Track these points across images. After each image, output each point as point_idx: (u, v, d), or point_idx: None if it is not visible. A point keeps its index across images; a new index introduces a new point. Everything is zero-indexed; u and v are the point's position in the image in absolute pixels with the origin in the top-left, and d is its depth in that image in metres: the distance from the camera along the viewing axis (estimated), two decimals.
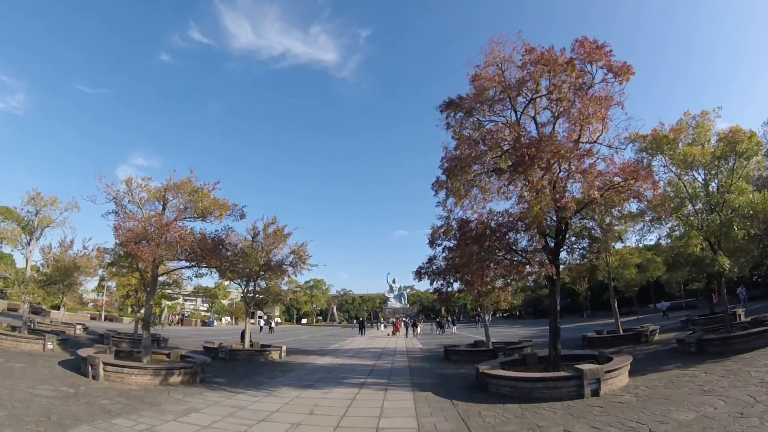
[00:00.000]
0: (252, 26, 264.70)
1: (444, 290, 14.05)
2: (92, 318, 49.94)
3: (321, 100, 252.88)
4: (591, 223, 13.75)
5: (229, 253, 17.60)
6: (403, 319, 61.11)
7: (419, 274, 14.28)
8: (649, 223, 17.86)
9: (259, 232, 22.33)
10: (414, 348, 27.54)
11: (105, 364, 12.26)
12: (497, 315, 61.65)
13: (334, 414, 9.01)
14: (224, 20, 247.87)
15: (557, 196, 10.79)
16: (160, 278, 16.77)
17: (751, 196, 14.53)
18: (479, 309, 21.90)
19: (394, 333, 46.15)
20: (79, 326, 29.48)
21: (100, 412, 8.65)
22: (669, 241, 20.52)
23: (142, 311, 17.06)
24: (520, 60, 11.69)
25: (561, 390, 9.49)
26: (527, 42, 11.70)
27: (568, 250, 13.87)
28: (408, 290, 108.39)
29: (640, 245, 24.66)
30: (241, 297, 25.24)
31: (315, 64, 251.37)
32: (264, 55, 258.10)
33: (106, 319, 51.55)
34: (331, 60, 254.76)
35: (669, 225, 18.45)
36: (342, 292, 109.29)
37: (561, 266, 12.83)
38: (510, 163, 11.52)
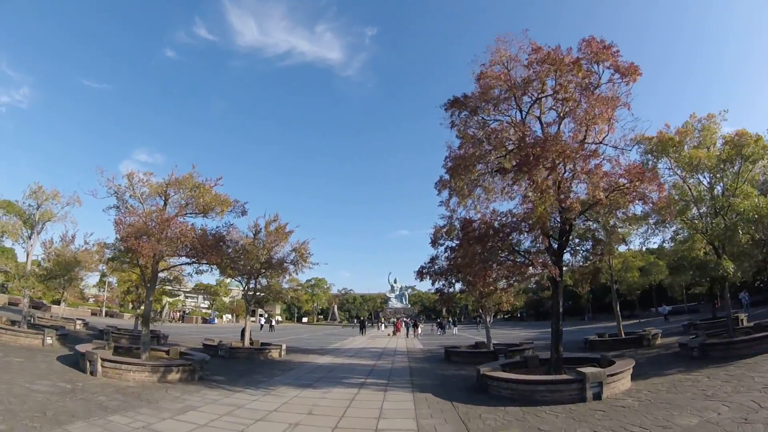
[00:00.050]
0: (257, 24, 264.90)
1: (446, 290, 13.92)
2: (93, 314, 49.94)
3: (326, 98, 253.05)
4: (595, 225, 13.64)
5: (230, 250, 17.56)
6: (404, 319, 60.99)
7: (421, 274, 14.17)
8: (653, 226, 17.74)
9: (260, 229, 22.29)
10: (414, 348, 27.46)
11: (103, 360, 12.20)
12: (498, 316, 61.40)
13: (332, 414, 8.93)
14: (230, 17, 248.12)
15: (562, 196, 10.69)
16: (161, 274, 16.73)
17: (756, 200, 14.40)
18: (480, 310, 21.74)
19: (394, 333, 46.08)
20: (79, 322, 29.52)
21: (96, 408, 8.58)
22: (672, 244, 20.40)
23: (143, 307, 17.01)
24: (526, 59, 11.58)
25: (563, 393, 9.39)
26: (534, 41, 11.60)
27: (572, 251, 13.78)
28: (409, 290, 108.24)
29: (644, 248, 24.50)
30: (242, 295, 25.19)
31: (320, 62, 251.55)
32: (269, 53, 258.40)
33: (106, 314, 51.59)
34: (336, 58, 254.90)
35: (673, 228, 18.34)
36: (343, 292, 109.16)
37: (564, 268, 12.71)
38: (514, 163, 11.42)
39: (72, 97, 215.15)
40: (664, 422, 7.14)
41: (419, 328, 44.71)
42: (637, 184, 10.50)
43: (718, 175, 15.77)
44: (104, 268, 26.64)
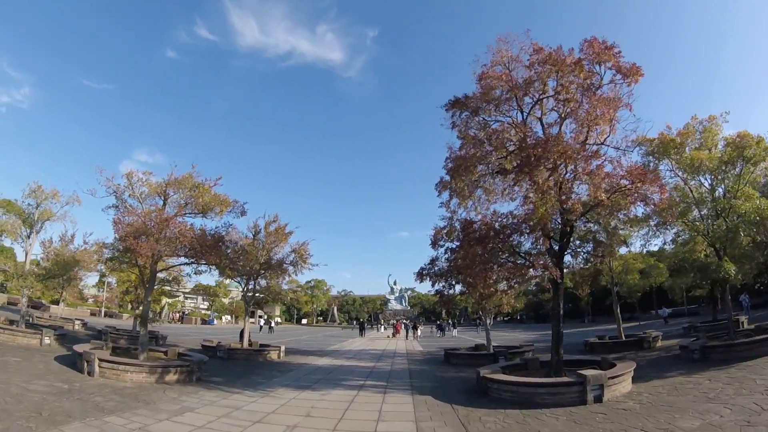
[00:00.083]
0: (259, 24, 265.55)
1: (446, 292, 13.85)
2: (92, 314, 49.90)
3: (326, 98, 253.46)
4: (596, 227, 13.57)
5: (229, 251, 17.50)
6: (404, 321, 61.00)
7: (421, 275, 14.09)
8: (655, 228, 17.69)
9: (260, 230, 22.21)
10: (414, 350, 27.35)
11: (101, 360, 12.13)
12: (498, 319, 61.38)
13: (331, 417, 8.84)
14: (231, 17, 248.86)
15: (563, 197, 10.62)
16: (160, 275, 16.65)
17: (757, 202, 14.36)
18: (480, 312, 21.66)
19: (394, 335, 46.04)
20: (78, 322, 29.44)
21: (92, 409, 8.50)
22: (673, 246, 20.34)
23: (141, 308, 16.94)
24: (528, 60, 11.54)
25: (563, 396, 9.31)
26: (535, 42, 11.56)
27: (573, 253, 13.71)
28: (409, 292, 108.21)
29: (644, 251, 24.46)
30: (241, 296, 25.11)
31: (321, 63, 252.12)
32: (270, 54, 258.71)
33: (106, 315, 51.54)
34: (337, 59, 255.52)
35: (674, 230, 18.28)
36: (343, 293, 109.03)
37: (565, 270, 12.65)
38: (515, 164, 11.37)
39: (73, 97, 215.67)
40: (666, 425, 7.07)
41: (419, 330, 44.68)
42: (638, 185, 10.44)
43: (719, 177, 15.74)
44: (103, 268, 26.56)
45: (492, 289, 13.04)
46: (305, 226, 35.85)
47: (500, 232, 11.45)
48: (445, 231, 13.84)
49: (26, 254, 21.90)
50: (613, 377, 9.69)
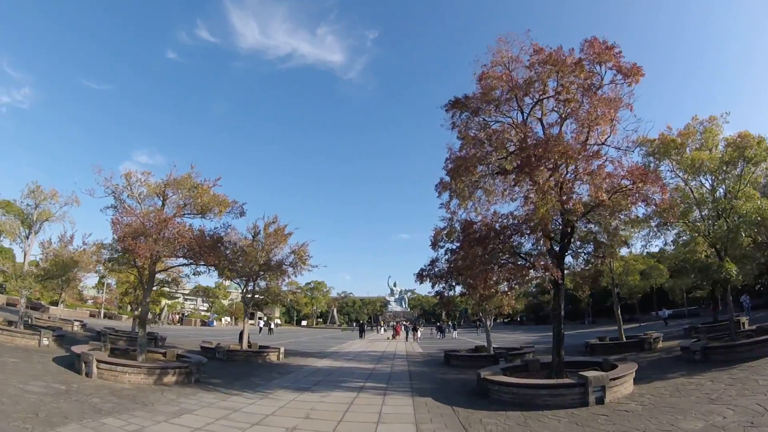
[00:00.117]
0: (259, 26, 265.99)
1: (446, 294, 13.76)
2: (91, 315, 49.83)
3: (327, 100, 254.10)
4: (597, 228, 13.51)
5: (228, 252, 17.43)
6: (404, 322, 60.90)
7: (421, 277, 14.01)
8: (655, 229, 17.61)
9: (259, 231, 22.16)
10: (414, 352, 27.28)
11: (99, 361, 12.06)
12: (498, 320, 61.32)
13: (330, 419, 8.77)
14: (232, 19, 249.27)
15: (564, 198, 10.55)
16: (159, 275, 16.60)
17: (758, 202, 14.33)
18: (481, 313, 21.58)
19: (394, 337, 45.98)
20: (77, 323, 29.37)
21: (90, 410, 8.43)
22: (674, 247, 20.27)
23: (140, 309, 16.87)
24: (528, 60, 11.50)
25: (565, 397, 9.24)
26: (535, 42, 11.52)
27: (573, 254, 13.63)
28: (409, 294, 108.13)
29: (645, 252, 24.39)
30: (241, 297, 25.04)
31: (321, 64, 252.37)
32: (271, 55, 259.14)
33: (105, 316, 51.45)
34: (337, 61, 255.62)
35: (675, 231, 18.22)
36: (343, 295, 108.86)
37: (565, 271, 12.58)
38: (516, 164, 11.32)
39: (73, 97, 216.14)
40: (668, 426, 7.00)
41: (419, 332, 44.62)
42: (640, 185, 10.39)
43: (720, 178, 15.71)
44: (102, 269, 26.47)
45: (492, 290, 12.92)
46: (305, 227, 36.20)
47: (501, 233, 11.39)
48: (445, 232, 13.77)
49: (25, 255, 21.81)
50: (614, 378, 9.62)
